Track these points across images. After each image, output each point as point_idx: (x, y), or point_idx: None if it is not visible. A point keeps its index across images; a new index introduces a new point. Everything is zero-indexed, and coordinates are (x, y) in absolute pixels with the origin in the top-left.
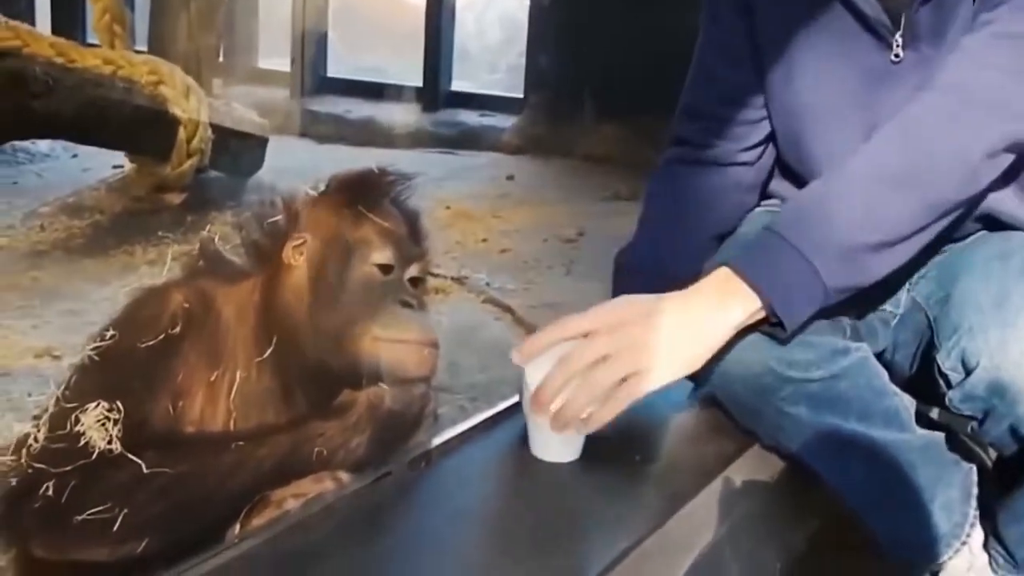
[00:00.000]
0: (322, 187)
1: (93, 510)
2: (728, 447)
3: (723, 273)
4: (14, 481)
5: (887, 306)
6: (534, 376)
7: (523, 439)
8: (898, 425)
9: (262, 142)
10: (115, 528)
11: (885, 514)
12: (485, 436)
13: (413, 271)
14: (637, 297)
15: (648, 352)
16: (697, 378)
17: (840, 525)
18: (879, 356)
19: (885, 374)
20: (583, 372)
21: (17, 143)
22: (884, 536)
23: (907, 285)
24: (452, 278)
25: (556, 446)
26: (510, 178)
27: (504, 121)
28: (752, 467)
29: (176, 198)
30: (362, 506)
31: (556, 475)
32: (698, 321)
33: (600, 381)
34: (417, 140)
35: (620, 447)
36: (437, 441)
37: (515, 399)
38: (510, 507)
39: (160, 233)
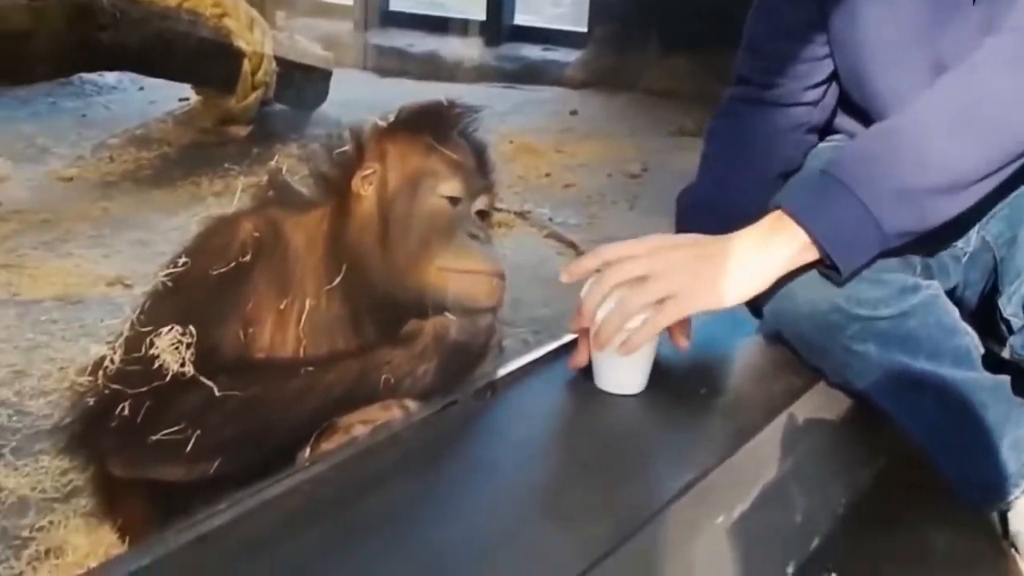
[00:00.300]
0: (391, 118)
1: (167, 431)
2: (795, 383)
3: (776, 214)
4: (91, 401)
5: (959, 243)
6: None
7: (588, 372)
8: (968, 364)
9: (326, 75)
10: (188, 449)
11: (954, 453)
12: (549, 368)
13: (480, 204)
14: (691, 235)
15: (686, 277)
16: (762, 315)
17: (907, 463)
18: (950, 293)
19: (956, 312)
20: (620, 292)
21: (85, 75)
22: (953, 475)
23: (978, 223)
24: (515, 212)
25: (619, 377)
26: (573, 113)
27: (568, 55)
28: (819, 404)
29: (241, 131)
30: (428, 434)
31: (620, 408)
32: (743, 256)
33: (634, 300)
34: (480, 74)
35: (686, 381)
36: (502, 372)
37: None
38: (574, 438)
39: (226, 165)
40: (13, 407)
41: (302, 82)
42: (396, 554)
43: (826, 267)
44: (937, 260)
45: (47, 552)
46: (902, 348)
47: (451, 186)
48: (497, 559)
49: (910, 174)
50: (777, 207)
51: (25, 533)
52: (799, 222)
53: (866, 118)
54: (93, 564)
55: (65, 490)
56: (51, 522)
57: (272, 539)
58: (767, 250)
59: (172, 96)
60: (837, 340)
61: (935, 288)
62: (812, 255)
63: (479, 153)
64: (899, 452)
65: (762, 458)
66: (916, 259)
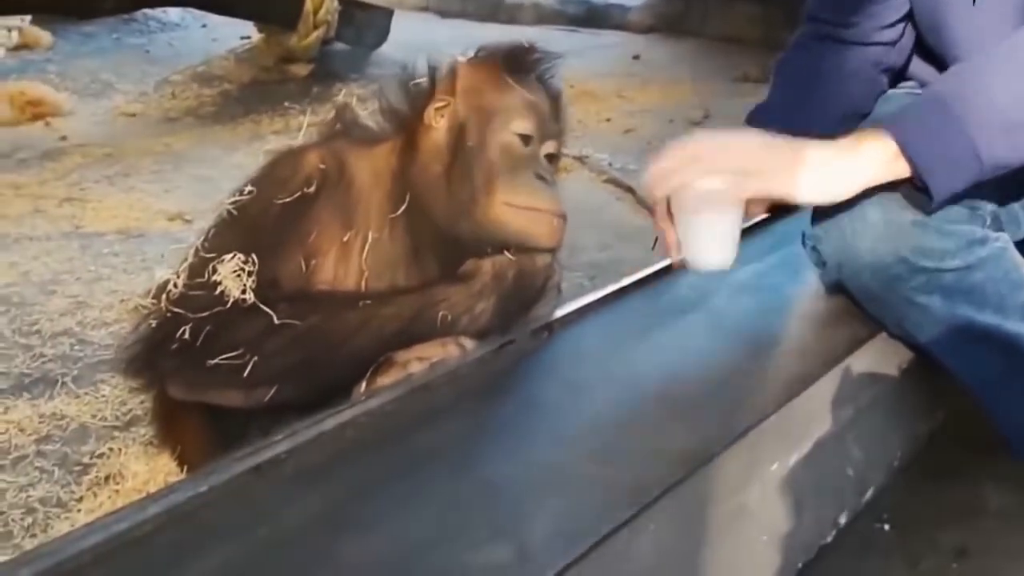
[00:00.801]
0: (470, 54)
1: (226, 355)
2: (855, 334)
3: (871, 129)
4: (153, 324)
5: None
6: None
7: (642, 315)
8: None
9: (387, 15)
10: (246, 374)
11: (1015, 408)
12: (607, 311)
13: (549, 147)
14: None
15: (771, 161)
16: (825, 264)
17: (965, 419)
18: (1019, 245)
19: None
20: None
21: (149, 11)
22: (1012, 431)
23: None
24: (574, 157)
25: (706, 250)
26: (636, 58)
27: None
28: (879, 356)
29: (302, 69)
30: (483, 372)
31: (676, 353)
32: (831, 155)
33: (718, 159)
34: (542, 17)
35: (744, 328)
36: (560, 313)
37: (634, 277)
38: (628, 381)
39: (286, 103)
40: (75, 337)
41: (363, 22)
42: (448, 488)
43: (915, 188)
44: (1007, 211)
45: (107, 478)
46: (968, 301)
47: (524, 124)
48: (548, 497)
49: (1012, 106)
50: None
51: (86, 459)
52: (895, 136)
53: (942, 65)
54: (152, 490)
55: (125, 418)
56: (111, 449)
57: (326, 471)
58: (856, 155)
59: (234, 34)
60: (900, 291)
61: (1004, 240)
62: (902, 168)
63: (554, 99)
64: (957, 407)
65: (819, 407)
66: (987, 209)
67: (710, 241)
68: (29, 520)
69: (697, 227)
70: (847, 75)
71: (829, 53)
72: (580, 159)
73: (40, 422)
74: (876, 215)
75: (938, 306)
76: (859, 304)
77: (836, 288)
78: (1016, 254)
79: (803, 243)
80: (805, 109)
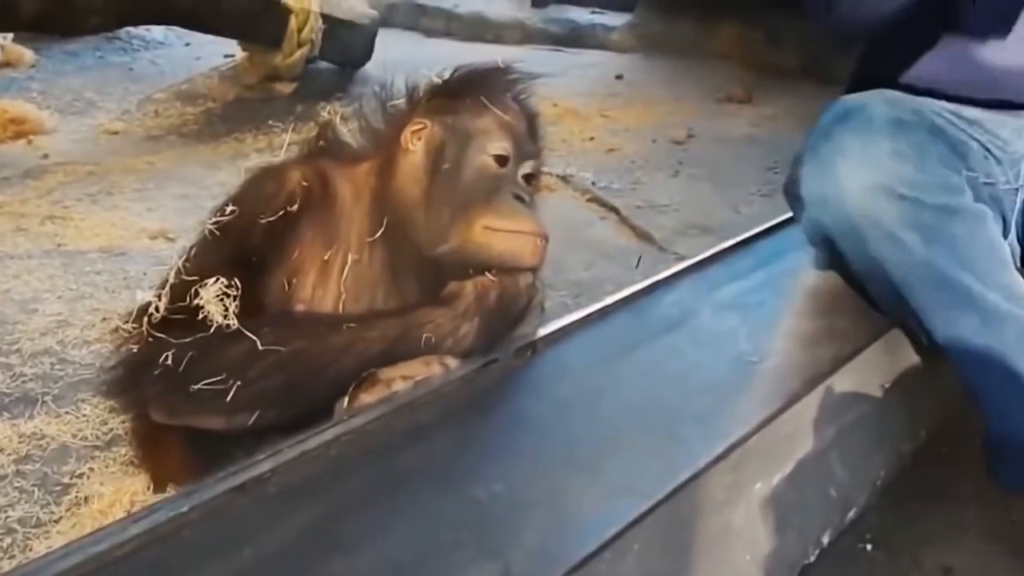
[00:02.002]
0: (446, 76)
1: (209, 380)
2: (840, 352)
3: None
4: (135, 348)
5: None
6: None
7: (626, 333)
8: (1017, 302)
9: (371, 34)
10: (229, 398)
11: (997, 385)
12: (590, 329)
13: (527, 168)
14: None
15: None
16: (808, 208)
17: (949, 440)
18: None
19: (1007, 251)
20: None
21: (132, 29)
22: (994, 410)
23: None
24: (558, 176)
25: None
26: (619, 77)
27: (615, 19)
28: (863, 375)
29: (286, 88)
30: (468, 390)
31: (660, 370)
32: None
33: None
34: (526, 36)
35: (728, 347)
36: (543, 332)
37: (618, 296)
38: (612, 399)
39: (270, 122)
40: (56, 356)
41: (347, 40)
42: (435, 505)
43: None
44: (991, 191)
45: (86, 499)
46: (948, 250)
47: (500, 145)
48: (533, 516)
49: None
50: None
51: (66, 479)
52: None
53: None
54: (119, 511)
55: (105, 438)
56: (91, 469)
57: (311, 489)
58: None
59: (217, 52)
60: (882, 225)
61: (983, 211)
62: None
63: (530, 118)
64: (941, 427)
65: (803, 426)
66: (960, 171)
67: None
68: (8, 541)
69: None
70: None
71: None
72: (564, 178)
73: (20, 442)
74: (855, 145)
75: (918, 246)
76: (845, 265)
77: (826, 265)
78: (999, 236)
79: (785, 194)
80: None
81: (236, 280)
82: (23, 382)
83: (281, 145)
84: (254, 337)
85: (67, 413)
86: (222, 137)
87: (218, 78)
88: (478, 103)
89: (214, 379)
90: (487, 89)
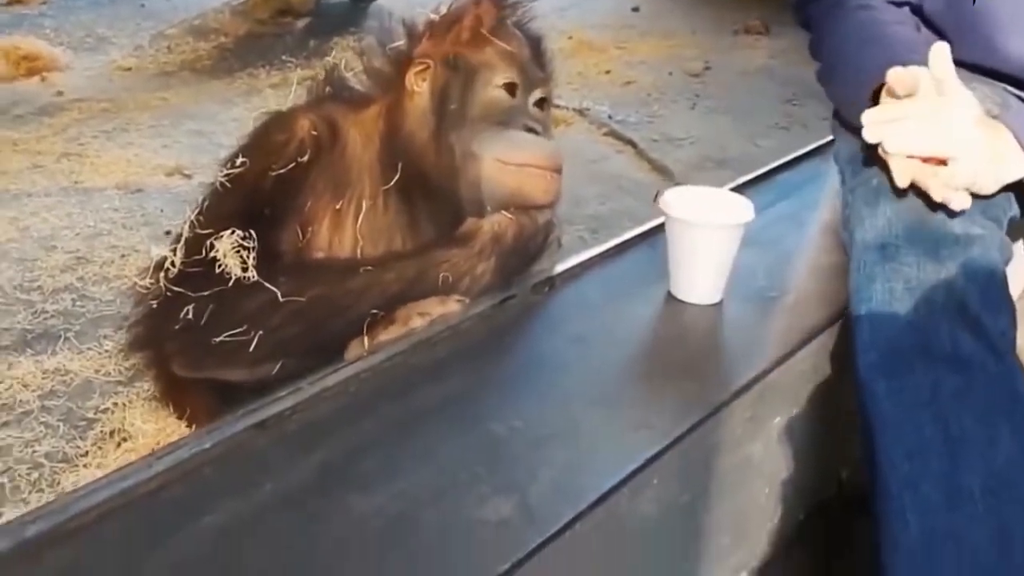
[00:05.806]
0: (443, 11)
1: (229, 332)
2: None
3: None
4: (154, 304)
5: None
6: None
7: (644, 269)
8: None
9: None
10: (251, 349)
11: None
12: (609, 264)
13: (537, 94)
14: None
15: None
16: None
17: None
18: None
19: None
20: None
21: None
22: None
23: None
24: (574, 109)
25: (700, 288)
26: (635, 9)
27: None
28: None
29: (299, 22)
30: (485, 327)
31: (678, 305)
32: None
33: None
34: None
35: (748, 281)
36: (560, 268)
37: (636, 231)
38: (631, 333)
39: (283, 57)
40: (76, 292)
41: None
42: (453, 441)
43: None
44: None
45: (111, 433)
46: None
47: (506, 74)
48: (551, 452)
49: None
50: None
51: (90, 415)
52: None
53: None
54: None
55: (128, 373)
56: (115, 404)
57: (330, 426)
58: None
59: None
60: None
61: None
62: None
63: (534, 43)
64: None
65: (822, 360)
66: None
67: (702, 284)
68: (35, 475)
69: (691, 270)
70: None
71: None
72: (580, 112)
73: (44, 378)
74: None
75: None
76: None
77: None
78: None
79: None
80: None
81: (251, 232)
82: (45, 319)
83: (296, 81)
84: (273, 288)
85: (89, 349)
86: (236, 73)
87: (230, 13)
88: (478, 35)
89: (235, 331)
90: (485, 19)
